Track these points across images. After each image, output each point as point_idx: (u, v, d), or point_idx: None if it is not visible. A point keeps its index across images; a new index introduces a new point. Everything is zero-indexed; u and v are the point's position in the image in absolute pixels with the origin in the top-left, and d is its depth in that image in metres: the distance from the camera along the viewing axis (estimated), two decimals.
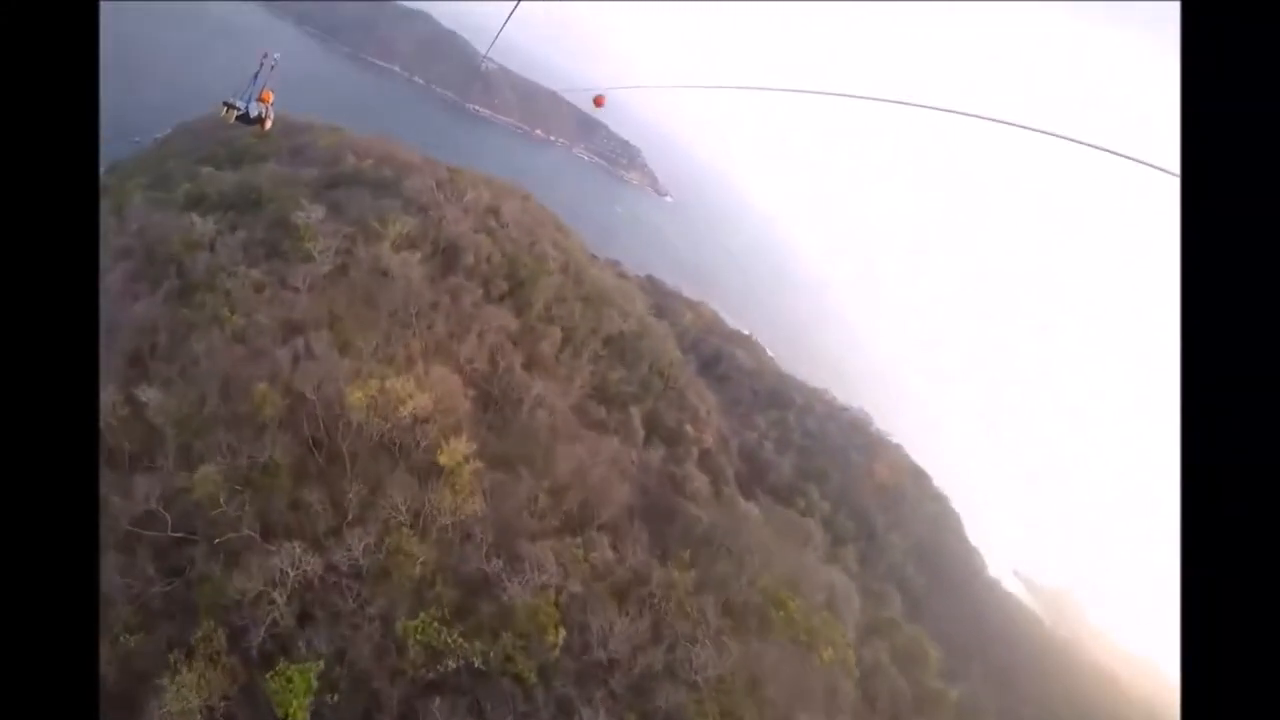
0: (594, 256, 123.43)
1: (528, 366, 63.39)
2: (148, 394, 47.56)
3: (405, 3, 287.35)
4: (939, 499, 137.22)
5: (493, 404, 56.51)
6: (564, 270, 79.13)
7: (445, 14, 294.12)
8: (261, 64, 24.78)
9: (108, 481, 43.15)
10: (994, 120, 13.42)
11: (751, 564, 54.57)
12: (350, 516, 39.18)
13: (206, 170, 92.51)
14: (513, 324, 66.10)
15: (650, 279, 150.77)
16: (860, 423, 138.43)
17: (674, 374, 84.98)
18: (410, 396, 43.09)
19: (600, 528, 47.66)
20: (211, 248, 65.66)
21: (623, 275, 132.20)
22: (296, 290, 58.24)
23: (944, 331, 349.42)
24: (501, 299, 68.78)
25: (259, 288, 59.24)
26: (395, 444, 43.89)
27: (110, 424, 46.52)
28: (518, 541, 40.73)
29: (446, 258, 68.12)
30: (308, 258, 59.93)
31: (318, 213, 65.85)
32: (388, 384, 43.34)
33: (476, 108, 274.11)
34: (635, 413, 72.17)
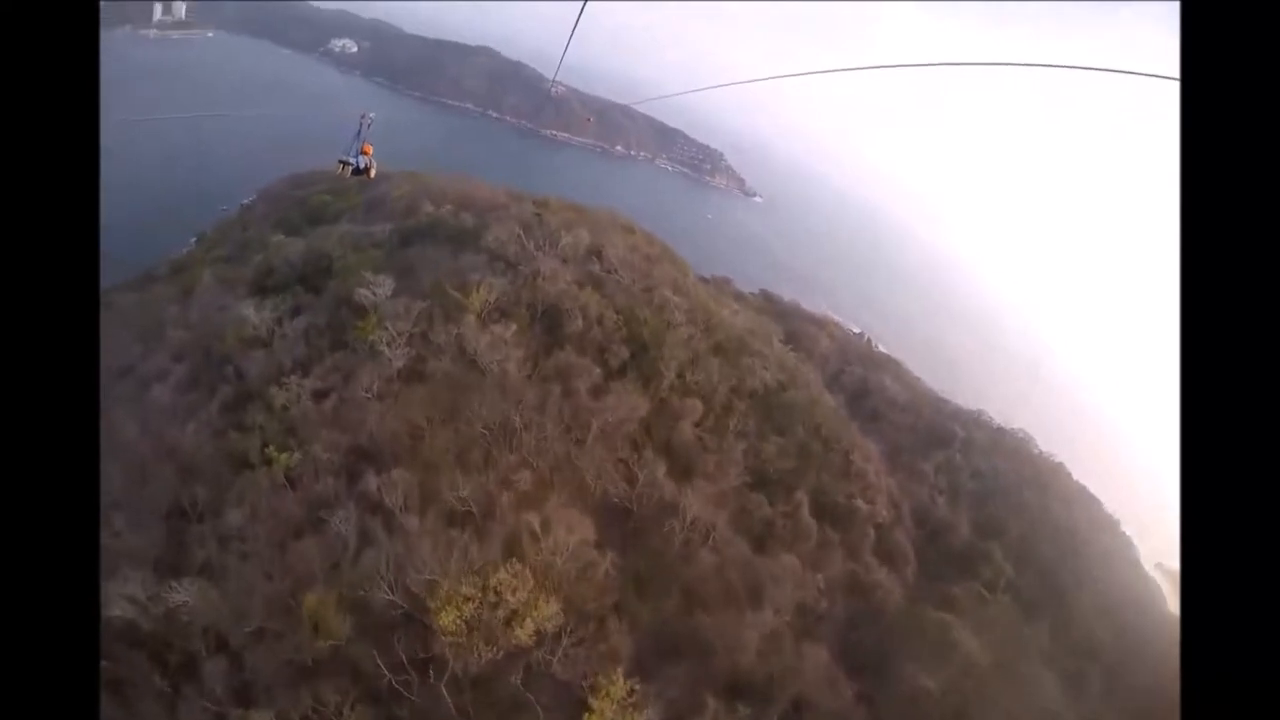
0: (702, 278, 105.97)
1: (670, 466, 46.27)
2: (182, 591, 33.52)
3: (469, 14, 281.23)
4: (1111, 528, 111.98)
5: (636, 539, 39.64)
6: (690, 318, 61.61)
7: (509, 46, 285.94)
8: (360, 123, 27.39)
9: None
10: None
11: None
12: None
13: (277, 238, 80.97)
14: (642, 405, 49.11)
15: (765, 295, 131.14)
16: (1023, 447, 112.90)
17: (833, 432, 65.94)
18: (530, 608, 26.62)
19: None
20: (269, 342, 52.50)
21: (740, 297, 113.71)
22: (366, 396, 43.45)
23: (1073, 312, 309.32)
24: (622, 371, 51.95)
25: (320, 396, 44.89)
26: (514, 676, 27.35)
27: (143, 627, 33.28)
28: None
29: (547, 326, 51.90)
30: (374, 352, 45.05)
31: (386, 286, 51.21)
32: (492, 584, 26.99)
33: (553, 132, 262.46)
34: (803, 500, 53.98)
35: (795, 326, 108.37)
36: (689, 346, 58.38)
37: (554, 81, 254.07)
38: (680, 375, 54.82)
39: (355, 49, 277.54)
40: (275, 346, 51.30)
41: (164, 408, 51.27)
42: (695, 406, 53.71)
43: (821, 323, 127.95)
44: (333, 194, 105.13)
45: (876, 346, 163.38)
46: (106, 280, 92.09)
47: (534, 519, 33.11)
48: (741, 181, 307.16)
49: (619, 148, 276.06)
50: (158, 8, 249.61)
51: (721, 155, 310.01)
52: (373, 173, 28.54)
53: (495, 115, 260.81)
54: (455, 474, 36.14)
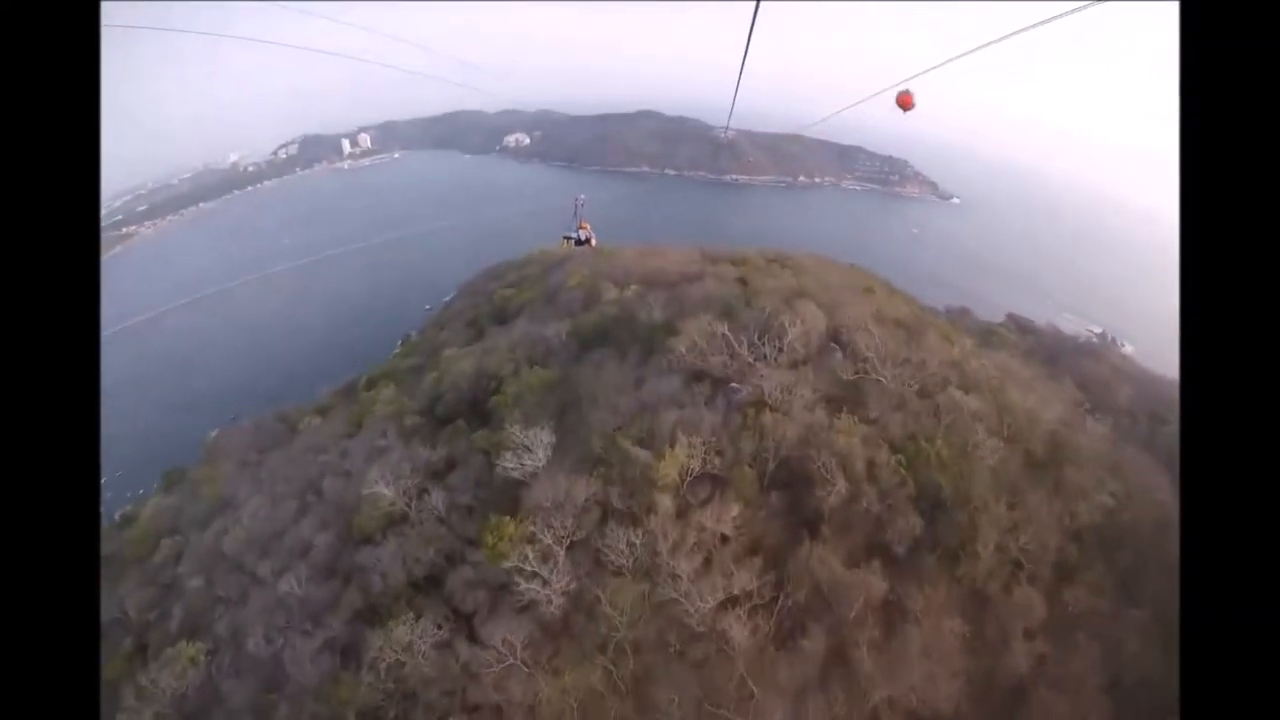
0: (937, 316, 78.41)
1: None
2: None
3: (621, 85, 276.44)
4: None
5: None
6: (989, 425, 36.96)
7: (667, 105, 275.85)
8: (576, 205, 31.43)
9: None
10: None
11: None
12: None
13: (449, 352, 68.34)
14: (957, 630, 26.06)
15: (1015, 322, 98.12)
16: None
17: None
18: None
19: None
20: (405, 518, 37.09)
21: (991, 333, 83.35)
22: (506, 662, 25.18)
23: None
24: (912, 552, 29.19)
25: (443, 645, 27.42)
26: None
27: None
28: None
29: (784, 486, 30.70)
30: (506, 582, 26.85)
31: (541, 446, 33.32)
32: None
33: (732, 176, 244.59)
34: None
35: (1077, 369, 75.66)
36: (1000, 480, 34.00)
37: (725, 128, 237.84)
38: (1000, 547, 30.74)
39: (528, 140, 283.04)
40: (410, 535, 35.53)
41: (294, 605, 37.80)
42: (1031, 603, 29.24)
43: (1097, 354, 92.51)
44: (516, 286, 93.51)
45: (1124, 346, 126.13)
46: (312, 393, 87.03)
47: None
48: (934, 185, 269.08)
49: (801, 178, 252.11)
50: (345, 143, 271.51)
51: (907, 163, 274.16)
52: (594, 242, 30.96)
53: (672, 172, 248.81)
54: None
